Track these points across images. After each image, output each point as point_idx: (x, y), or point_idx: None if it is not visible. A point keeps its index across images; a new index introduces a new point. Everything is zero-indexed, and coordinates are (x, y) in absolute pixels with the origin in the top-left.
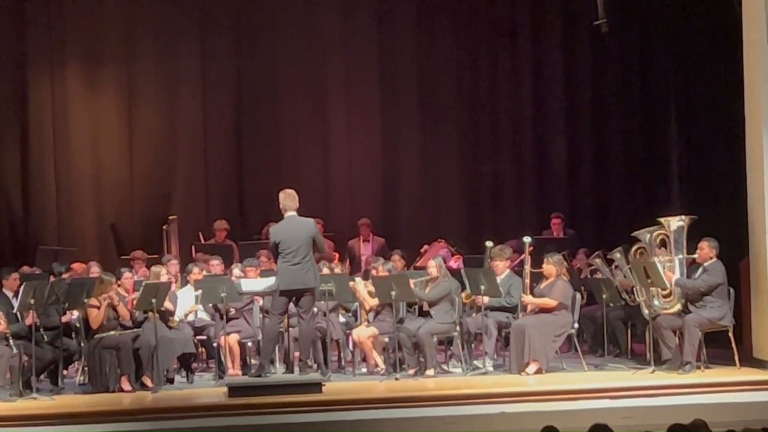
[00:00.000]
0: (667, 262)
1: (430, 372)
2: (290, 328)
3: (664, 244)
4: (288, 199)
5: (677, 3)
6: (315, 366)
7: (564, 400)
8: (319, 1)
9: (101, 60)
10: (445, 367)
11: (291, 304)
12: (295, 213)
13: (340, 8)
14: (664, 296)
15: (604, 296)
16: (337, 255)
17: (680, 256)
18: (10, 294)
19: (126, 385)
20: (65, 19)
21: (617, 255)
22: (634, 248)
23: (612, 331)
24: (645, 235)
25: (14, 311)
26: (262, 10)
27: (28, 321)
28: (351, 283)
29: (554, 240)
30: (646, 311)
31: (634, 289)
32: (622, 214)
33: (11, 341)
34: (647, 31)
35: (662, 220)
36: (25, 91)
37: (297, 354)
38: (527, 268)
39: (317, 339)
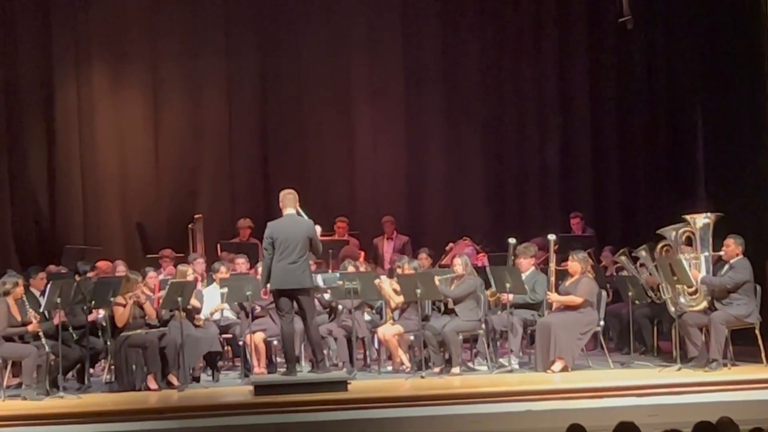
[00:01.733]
0: (693, 260)
1: (455, 370)
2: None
3: (690, 241)
4: (287, 198)
5: None
6: (331, 363)
7: (590, 398)
8: (344, 4)
9: (126, 60)
10: (470, 365)
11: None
12: (294, 212)
13: (364, 6)
14: (690, 294)
15: (630, 294)
16: (362, 253)
17: (706, 254)
18: (37, 293)
19: (152, 384)
20: (90, 20)
21: (643, 252)
22: (659, 245)
23: (638, 328)
24: (671, 232)
25: (41, 310)
26: (287, 8)
27: (55, 320)
28: (376, 281)
29: (579, 238)
30: (672, 309)
31: (660, 286)
32: (647, 211)
33: (43, 339)
34: (672, 28)
35: (688, 217)
36: (51, 92)
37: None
38: (552, 265)
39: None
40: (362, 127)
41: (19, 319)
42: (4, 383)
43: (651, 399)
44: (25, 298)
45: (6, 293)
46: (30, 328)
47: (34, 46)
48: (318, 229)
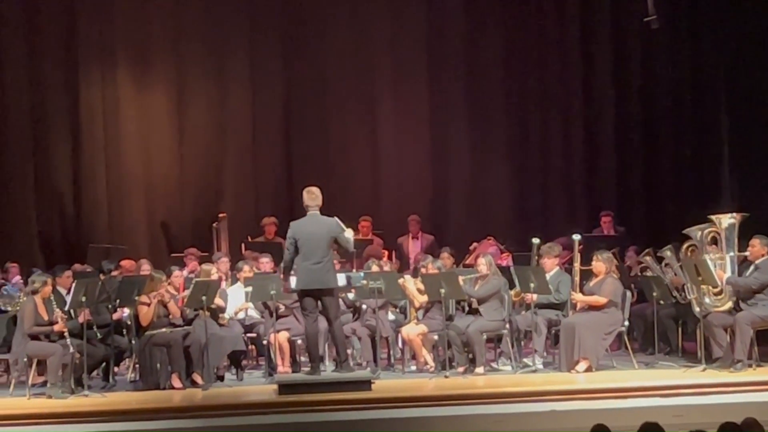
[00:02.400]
0: (718, 260)
1: (479, 370)
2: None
3: (715, 241)
4: (310, 197)
5: None
6: (355, 363)
7: (614, 399)
8: (368, 3)
9: (151, 60)
10: (494, 364)
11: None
12: (317, 211)
13: (388, 5)
14: (715, 294)
15: (654, 294)
16: (386, 252)
17: (731, 254)
18: (63, 291)
19: (176, 383)
20: (115, 21)
21: (668, 253)
22: (684, 246)
23: (662, 329)
24: (696, 232)
25: (66, 309)
26: (310, 7)
27: (81, 318)
28: (400, 281)
29: (604, 237)
30: (697, 309)
31: (685, 286)
32: (672, 211)
33: (67, 338)
34: (697, 27)
35: (713, 217)
36: (76, 92)
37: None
38: (576, 265)
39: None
40: (386, 125)
41: (45, 318)
42: (30, 382)
43: (676, 399)
44: (52, 298)
45: (35, 292)
46: (56, 328)
47: (60, 46)
48: (350, 233)
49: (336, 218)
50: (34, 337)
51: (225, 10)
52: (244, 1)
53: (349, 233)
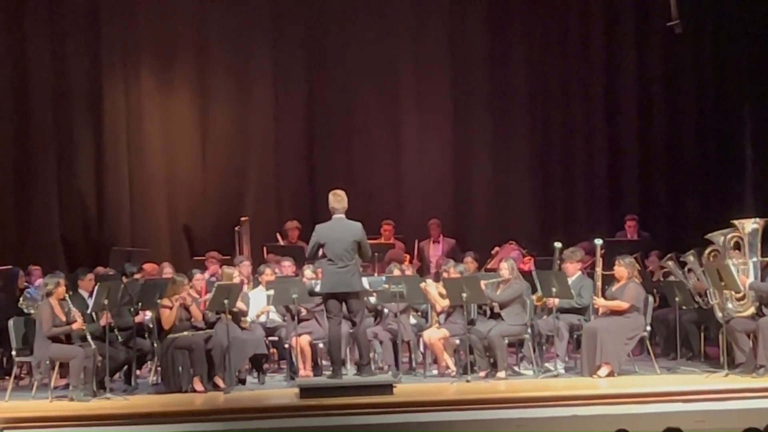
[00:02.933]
0: (741, 265)
1: (501, 374)
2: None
3: (738, 246)
4: (336, 200)
5: (751, 3)
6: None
7: (636, 404)
8: (391, 3)
9: (174, 62)
10: (516, 369)
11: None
12: (343, 215)
13: (412, 12)
14: (738, 299)
15: (677, 299)
16: (407, 256)
17: (754, 259)
18: (85, 294)
19: (198, 386)
20: (138, 22)
21: (690, 257)
22: (707, 251)
23: (685, 334)
24: (719, 237)
25: (89, 311)
26: (334, 12)
27: (103, 321)
28: (422, 285)
29: (626, 242)
30: (719, 314)
31: (708, 291)
32: (695, 216)
33: (90, 339)
34: (721, 32)
35: (736, 222)
36: (99, 94)
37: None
38: (599, 270)
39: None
40: (409, 130)
41: (63, 318)
42: (52, 384)
43: (698, 405)
44: (68, 298)
45: (49, 294)
46: (74, 326)
47: (83, 50)
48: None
49: (360, 223)
50: (55, 339)
51: (249, 13)
52: (268, 5)
53: None
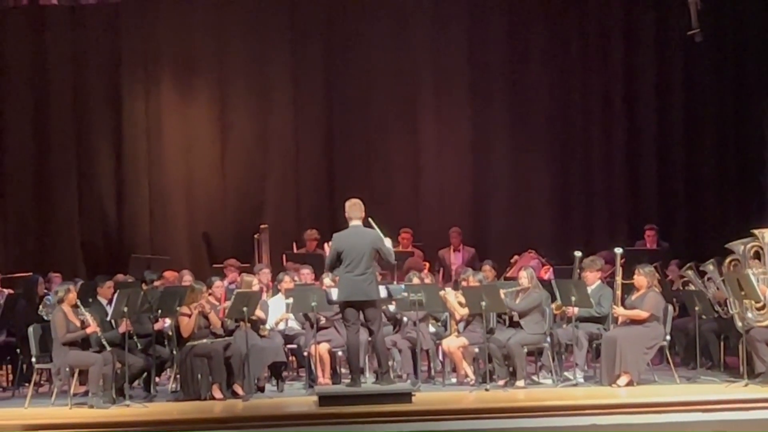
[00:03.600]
0: (762, 275)
1: (520, 383)
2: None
3: (758, 256)
4: (353, 208)
5: None
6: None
7: (656, 413)
8: (410, 10)
9: (194, 70)
10: (535, 378)
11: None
12: (359, 223)
13: (431, 17)
14: (758, 309)
15: (696, 308)
16: (427, 265)
17: None
18: (104, 302)
19: (217, 393)
20: (158, 30)
21: (710, 267)
22: (727, 260)
23: (704, 343)
24: (739, 246)
25: (108, 319)
26: (353, 19)
27: (122, 329)
28: (441, 293)
29: (646, 251)
30: (739, 324)
31: (728, 301)
32: (715, 225)
33: (106, 346)
34: (741, 41)
35: (756, 231)
36: (119, 101)
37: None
38: (618, 279)
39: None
40: (428, 138)
41: (77, 324)
42: (72, 391)
43: (717, 415)
44: (79, 303)
45: (60, 301)
46: (88, 330)
47: (104, 58)
48: (388, 242)
49: (377, 230)
50: (72, 345)
51: (268, 21)
52: (287, 14)
53: (388, 242)
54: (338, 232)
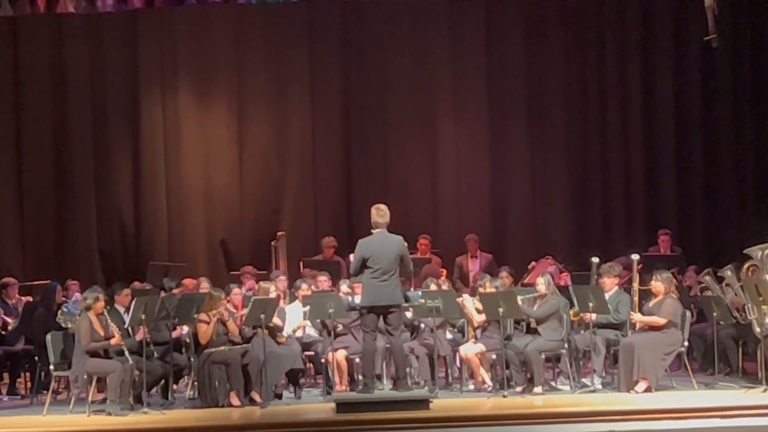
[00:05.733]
0: None
1: (537, 389)
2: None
3: None
4: (379, 214)
5: None
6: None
7: (674, 419)
8: (428, 17)
9: (211, 78)
10: (553, 384)
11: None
12: (385, 230)
13: (449, 23)
14: None
15: (714, 314)
16: (444, 271)
17: None
18: (122, 309)
19: (235, 400)
20: (176, 37)
21: (728, 273)
22: (745, 266)
23: (723, 349)
24: (757, 252)
25: (126, 326)
26: (371, 27)
27: (139, 336)
28: (458, 300)
29: (663, 257)
30: (757, 329)
31: (746, 307)
32: (733, 230)
33: (127, 354)
34: (759, 47)
35: None
36: (137, 108)
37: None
38: (636, 285)
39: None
40: (445, 145)
41: (101, 333)
42: (90, 399)
43: (736, 421)
44: (106, 312)
45: (87, 308)
46: (113, 341)
47: (122, 64)
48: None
49: (401, 237)
50: (93, 353)
51: (286, 29)
52: (305, 22)
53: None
54: (363, 238)
